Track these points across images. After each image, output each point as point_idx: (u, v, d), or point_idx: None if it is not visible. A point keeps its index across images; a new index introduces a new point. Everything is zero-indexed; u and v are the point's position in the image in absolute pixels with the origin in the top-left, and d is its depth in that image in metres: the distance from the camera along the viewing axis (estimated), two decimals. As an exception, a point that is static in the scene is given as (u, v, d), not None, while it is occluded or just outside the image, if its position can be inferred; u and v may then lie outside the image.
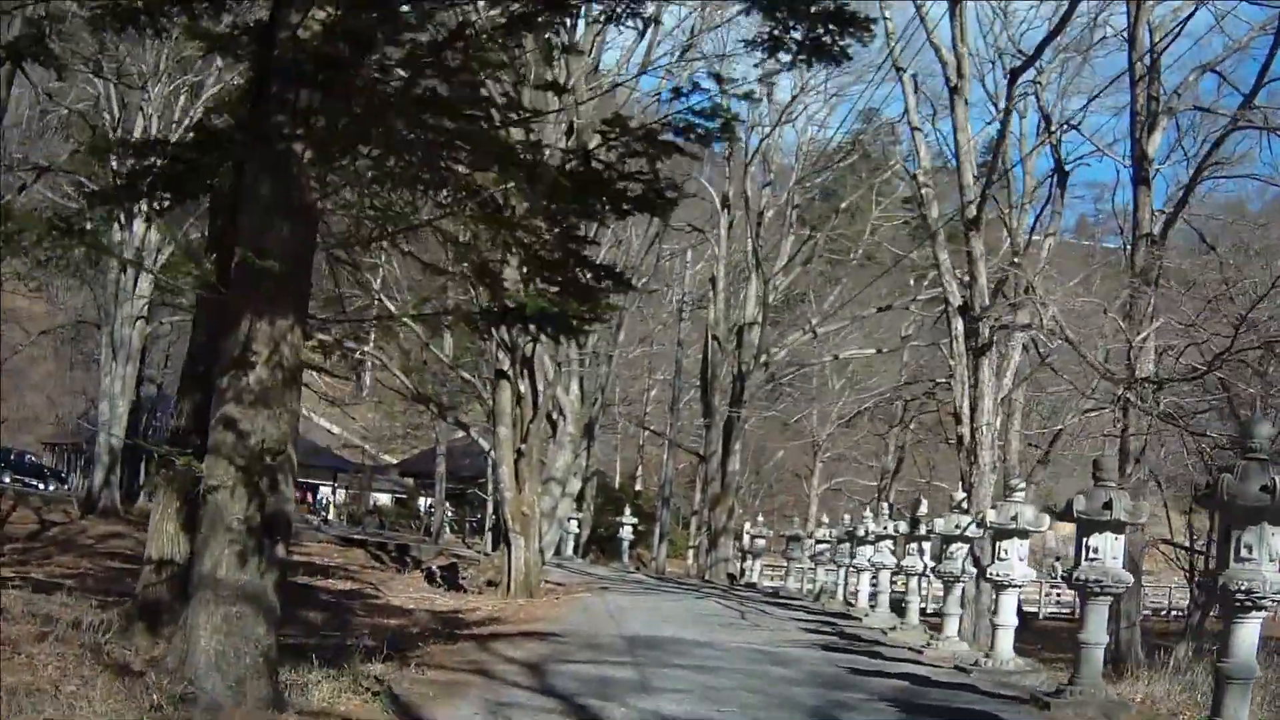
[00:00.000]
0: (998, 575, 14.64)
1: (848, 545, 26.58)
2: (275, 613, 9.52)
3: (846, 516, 28.14)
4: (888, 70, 37.28)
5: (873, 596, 23.39)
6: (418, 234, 10.70)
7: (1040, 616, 38.84)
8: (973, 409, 21.72)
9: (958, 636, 17.58)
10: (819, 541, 28.73)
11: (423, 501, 59.59)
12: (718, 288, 38.63)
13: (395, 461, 69.40)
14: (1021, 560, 14.78)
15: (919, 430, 47.58)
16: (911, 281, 49.91)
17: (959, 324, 22.58)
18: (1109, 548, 12.01)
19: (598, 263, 10.94)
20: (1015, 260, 21.85)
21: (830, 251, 42.90)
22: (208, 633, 9.18)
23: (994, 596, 15.56)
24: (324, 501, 61.87)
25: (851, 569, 25.55)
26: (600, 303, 10.15)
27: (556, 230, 9.40)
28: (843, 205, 41.04)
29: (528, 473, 26.44)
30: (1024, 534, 14.72)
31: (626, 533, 39.33)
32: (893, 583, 22.92)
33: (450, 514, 56.80)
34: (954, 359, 22.59)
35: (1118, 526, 11.99)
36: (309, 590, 25.67)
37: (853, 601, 26.67)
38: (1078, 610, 12.63)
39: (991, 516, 14.67)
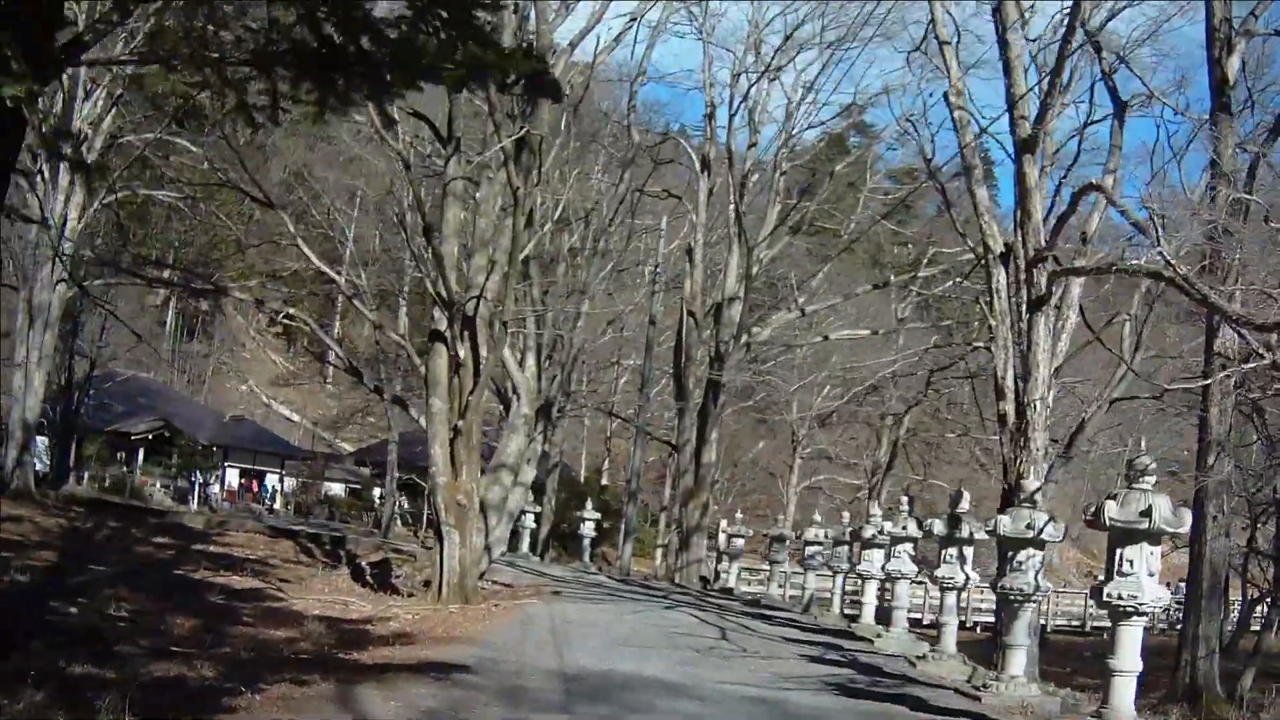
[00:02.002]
0: (1119, 597, 9.45)
1: (847, 548, 21.38)
2: None
3: (846, 514, 22.96)
4: (888, 26, 32.39)
5: (884, 612, 18.22)
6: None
7: (1048, 629, 33.79)
8: (1023, 379, 16.51)
9: (1024, 675, 12.29)
10: (810, 543, 23.43)
11: (377, 492, 53.99)
12: (695, 258, 33.28)
13: (351, 450, 63.82)
14: (1152, 576, 9.57)
15: (916, 421, 42.30)
16: (892, 277, 44.96)
17: (1000, 275, 17.38)
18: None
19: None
20: (1094, 182, 16.59)
21: (820, 221, 37.67)
22: None
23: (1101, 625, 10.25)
24: (270, 490, 56.05)
25: (854, 576, 20.38)
26: None
27: None
28: (837, 168, 35.76)
29: (465, 454, 21.15)
30: (1157, 538, 9.52)
31: (588, 529, 33.86)
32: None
33: (405, 506, 51.30)
34: (994, 318, 17.38)
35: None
36: (199, 588, 20.54)
37: (852, 614, 21.49)
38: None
39: (1112, 511, 9.45)
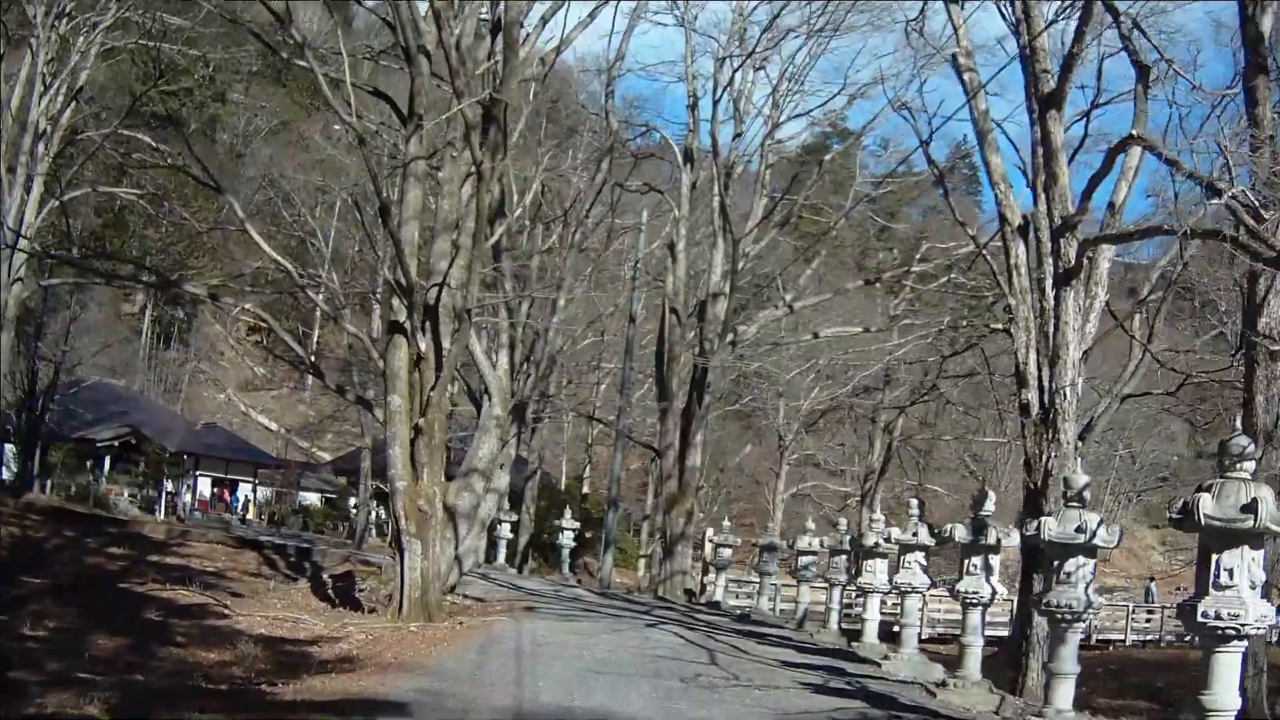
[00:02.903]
0: (1218, 617, 7.31)
1: (845, 558, 19.20)
2: None
3: (842, 521, 20.77)
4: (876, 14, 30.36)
5: (891, 630, 16.13)
6: None
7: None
8: (1050, 363, 14.34)
9: (1072, 709, 10.11)
10: (803, 553, 21.25)
11: (352, 501, 51.55)
12: (678, 254, 31.03)
13: (329, 458, 61.37)
14: (1255, 589, 7.47)
15: (906, 427, 40.10)
16: (877, 289, 42.83)
17: (1019, 249, 15.27)
18: None
19: None
20: (1135, 134, 14.35)
21: (807, 215, 35.47)
22: None
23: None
24: (242, 500, 53.51)
25: (855, 590, 18.27)
26: None
27: None
28: (826, 157, 33.58)
29: (427, 456, 18.99)
30: (1260, 539, 7.43)
31: (567, 539, 31.53)
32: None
33: (381, 515, 48.90)
34: (1014, 296, 15.25)
35: None
36: (139, 604, 18.56)
37: (850, 629, 19.40)
38: None
39: (1208, 506, 7.30)
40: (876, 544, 16.32)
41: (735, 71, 30.13)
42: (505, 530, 32.81)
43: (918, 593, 14.65)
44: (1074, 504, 9.92)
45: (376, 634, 16.93)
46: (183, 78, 65.17)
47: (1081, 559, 9.71)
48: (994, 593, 12.20)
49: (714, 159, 29.97)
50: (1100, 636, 37.00)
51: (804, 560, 21.25)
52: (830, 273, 44.11)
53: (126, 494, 46.42)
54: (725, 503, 53.02)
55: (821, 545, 20.12)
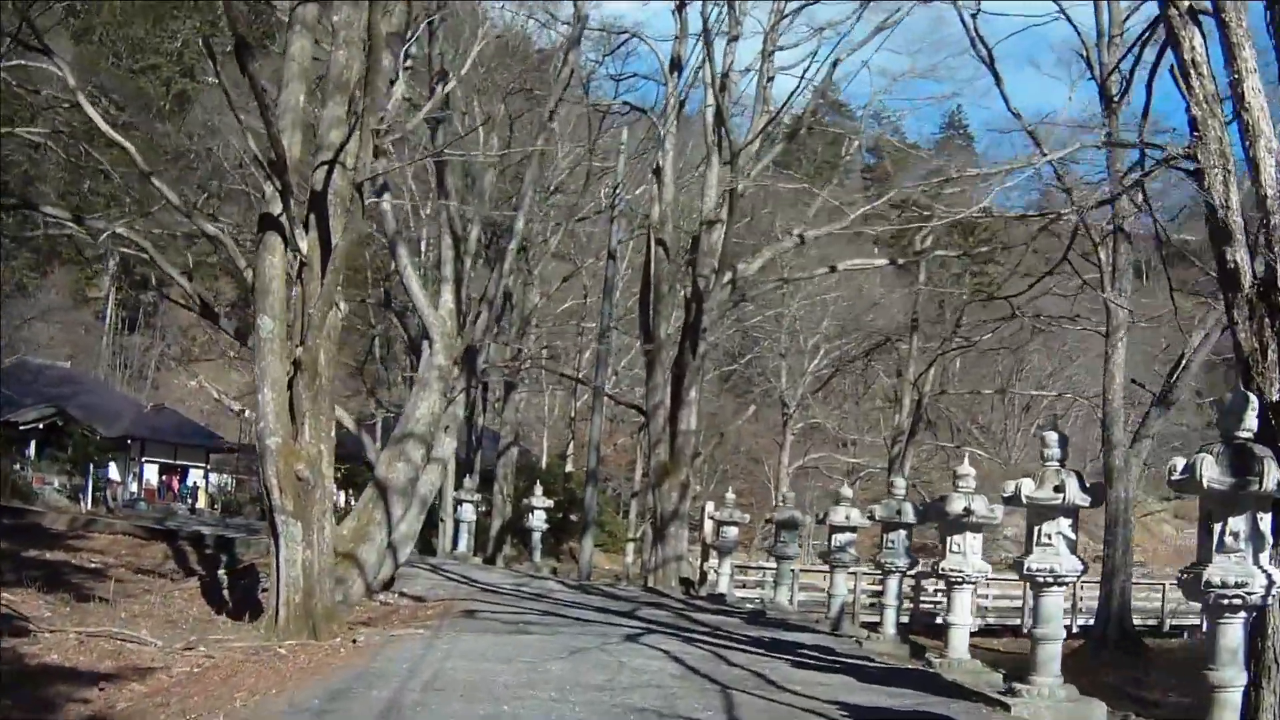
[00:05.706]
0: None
1: (904, 534, 13.15)
2: None
3: (899, 480, 14.68)
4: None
5: (1030, 633, 10.20)
6: None
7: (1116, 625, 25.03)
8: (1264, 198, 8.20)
9: None
10: (838, 529, 15.18)
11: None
12: (664, 178, 24.75)
13: (297, 441, 55.13)
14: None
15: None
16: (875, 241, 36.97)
17: (1196, 40, 8.91)
18: None
19: None
20: None
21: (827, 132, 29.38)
22: None
23: None
24: (192, 487, 47.25)
25: (931, 578, 12.30)
26: None
27: None
28: (842, 58, 26.86)
29: (310, 401, 13.03)
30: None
31: (538, 520, 25.37)
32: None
33: (340, 502, 42.82)
34: (1198, 106, 8.72)
35: None
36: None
37: (912, 636, 13.43)
38: None
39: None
40: (968, 510, 10.31)
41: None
42: (467, 512, 26.81)
43: (1063, 584, 8.56)
44: None
45: (218, 661, 11.01)
46: (150, 55, 59.81)
47: None
48: (1271, 582, 6.15)
49: (706, 52, 23.73)
50: (1174, 623, 30.68)
51: (840, 539, 15.16)
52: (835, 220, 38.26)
53: (56, 482, 40.24)
54: (722, 480, 47.03)
55: (872, 518, 13.94)
